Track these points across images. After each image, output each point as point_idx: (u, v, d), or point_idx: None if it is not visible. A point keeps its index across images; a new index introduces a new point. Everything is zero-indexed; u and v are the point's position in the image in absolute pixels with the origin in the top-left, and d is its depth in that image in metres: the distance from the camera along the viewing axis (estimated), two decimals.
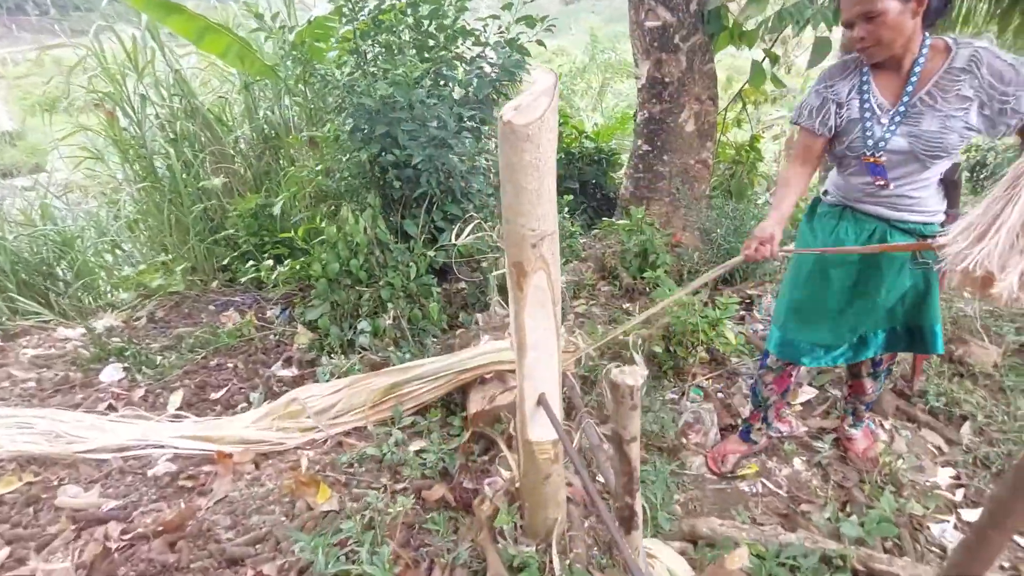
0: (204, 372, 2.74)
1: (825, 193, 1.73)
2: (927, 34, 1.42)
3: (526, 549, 1.50)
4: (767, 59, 3.78)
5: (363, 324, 2.53)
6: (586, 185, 5.08)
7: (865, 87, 1.49)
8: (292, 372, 2.70)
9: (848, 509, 1.79)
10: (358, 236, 2.62)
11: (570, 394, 1.73)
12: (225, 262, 3.55)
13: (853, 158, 1.55)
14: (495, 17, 3.25)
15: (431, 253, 2.69)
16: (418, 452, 1.89)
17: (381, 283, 2.66)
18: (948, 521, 1.73)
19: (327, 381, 2.30)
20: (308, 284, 3.30)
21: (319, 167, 3.00)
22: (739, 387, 2.53)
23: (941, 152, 1.44)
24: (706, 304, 2.57)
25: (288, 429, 2.09)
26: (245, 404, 2.49)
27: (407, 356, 2.41)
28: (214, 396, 2.56)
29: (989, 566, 0.98)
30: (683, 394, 2.43)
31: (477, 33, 3.12)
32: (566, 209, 3.64)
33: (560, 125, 5.05)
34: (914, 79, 1.43)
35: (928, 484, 1.89)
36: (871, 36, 1.36)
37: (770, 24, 3.23)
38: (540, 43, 3.29)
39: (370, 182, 2.95)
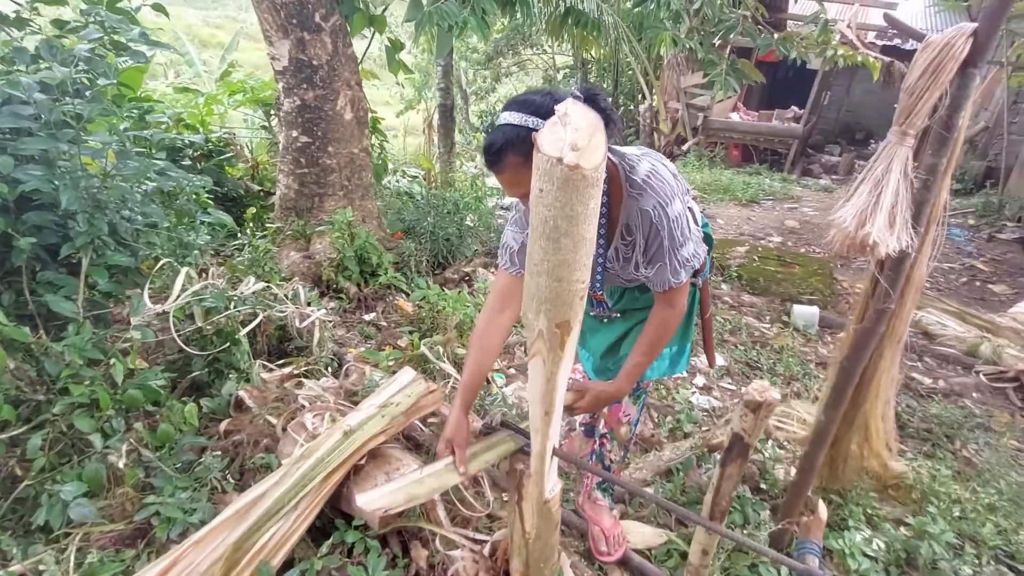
0: None
1: None
2: None
3: None
4: (392, 46, 3.88)
5: (68, 487, 1.47)
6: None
7: None
8: None
9: None
10: None
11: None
12: None
13: None
14: None
15: (135, 335, 1.74)
16: None
17: (56, 409, 1.57)
18: None
19: None
20: None
21: None
22: None
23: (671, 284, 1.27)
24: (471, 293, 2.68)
25: None
26: None
27: (181, 495, 1.58)
28: None
29: None
30: None
31: None
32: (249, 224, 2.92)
33: (147, 113, 3.81)
34: (603, 222, 1.23)
35: None
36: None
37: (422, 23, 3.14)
38: (158, 8, 2.41)
39: None
